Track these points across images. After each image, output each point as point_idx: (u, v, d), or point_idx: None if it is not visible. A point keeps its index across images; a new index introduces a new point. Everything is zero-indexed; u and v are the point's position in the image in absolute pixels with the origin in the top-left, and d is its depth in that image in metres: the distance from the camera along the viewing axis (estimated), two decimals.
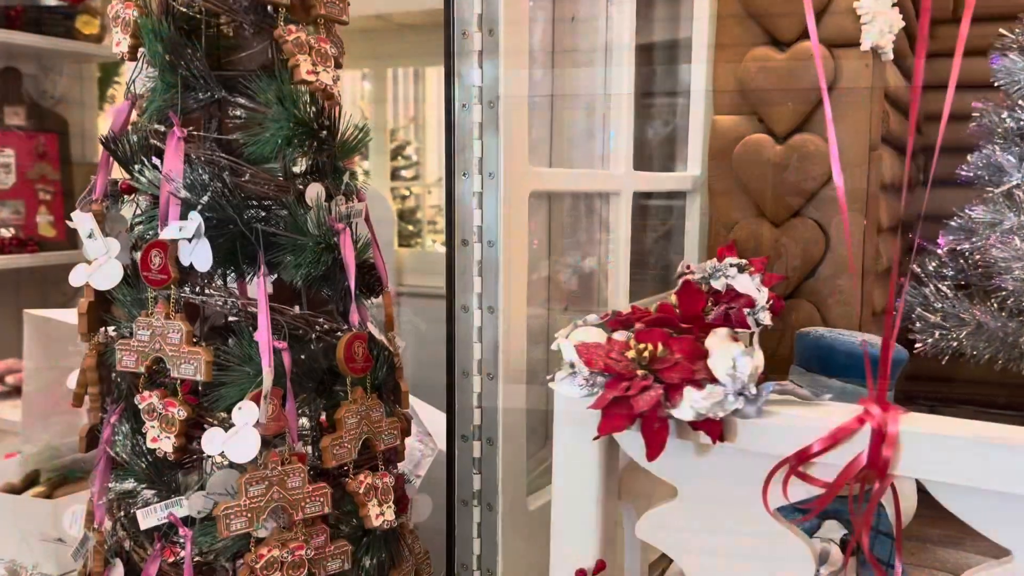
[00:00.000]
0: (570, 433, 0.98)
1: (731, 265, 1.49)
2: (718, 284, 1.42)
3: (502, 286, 1.15)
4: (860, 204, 1.54)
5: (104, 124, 3.19)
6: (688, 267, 1.54)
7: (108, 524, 1.04)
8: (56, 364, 1.93)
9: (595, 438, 0.92)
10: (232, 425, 0.91)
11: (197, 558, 0.96)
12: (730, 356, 0.88)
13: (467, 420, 1.18)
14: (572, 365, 0.97)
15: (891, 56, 1.56)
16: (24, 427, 1.94)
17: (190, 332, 0.93)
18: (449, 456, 1.21)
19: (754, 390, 0.85)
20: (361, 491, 1.00)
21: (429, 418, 1.45)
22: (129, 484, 0.98)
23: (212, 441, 0.90)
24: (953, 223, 1.58)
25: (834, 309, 1.57)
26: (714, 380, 0.89)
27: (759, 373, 0.86)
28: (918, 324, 1.62)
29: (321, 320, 1.01)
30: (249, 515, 0.90)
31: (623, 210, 1.44)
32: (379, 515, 1.01)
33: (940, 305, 1.63)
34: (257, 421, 0.90)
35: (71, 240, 3.06)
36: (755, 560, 0.92)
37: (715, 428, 0.87)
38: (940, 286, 1.66)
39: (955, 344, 1.60)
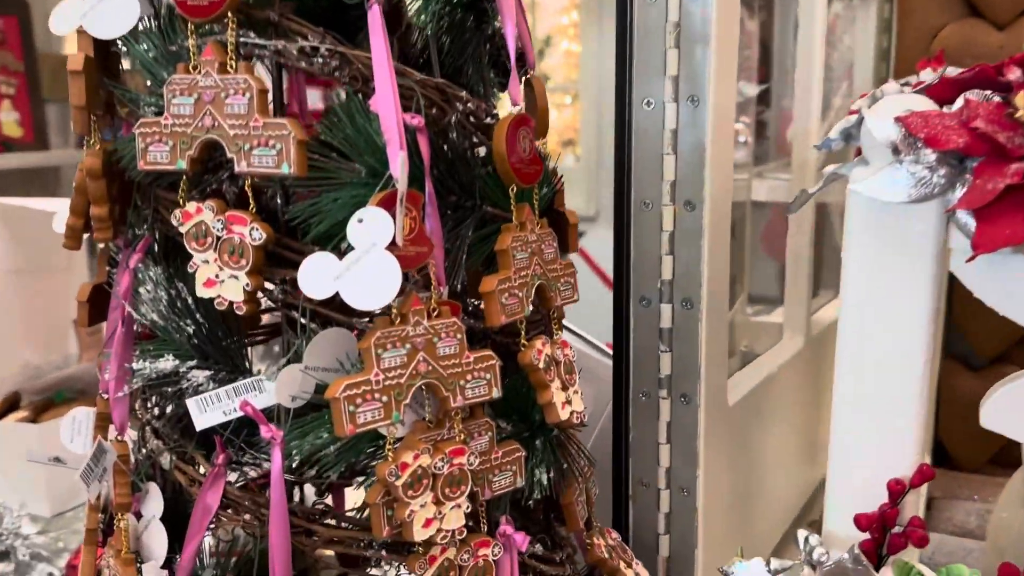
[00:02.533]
0: (885, 261, 0.63)
1: None
2: None
3: (712, 70, 0.77)
4: None
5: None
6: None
7: (133, 432, 0.69)
8: (34, 265, 1.59)
9: (970, 259, 0.57)
10: (347, 247, 0.54)
11: (288, 476, 0.61)
12: None
13: (651, 275, 0.83)
14: (895, 149, 0.61)
15: None
16: None
17: (264, 93, 0.56)
18: (618, 328, 0.86)
19: None
20: (541, 365, 0.65)
21: None
22: (167, 362, 0.62)
23: (319, 274, 0.54)
24: None
25: None
26: None
27: None
28: None
29: (463, 95, 0.64)
30: (385, 398, 0.55)
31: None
32: (565, 403, 0.67)
33: None
34: (392, 241, 0.54)
35: (41, 140, 2.69)
36: None
37: None
38: None
39: None
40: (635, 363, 0.85)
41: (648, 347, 0.84)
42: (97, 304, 0.73)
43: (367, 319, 0.60)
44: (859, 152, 0.69)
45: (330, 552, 1.05)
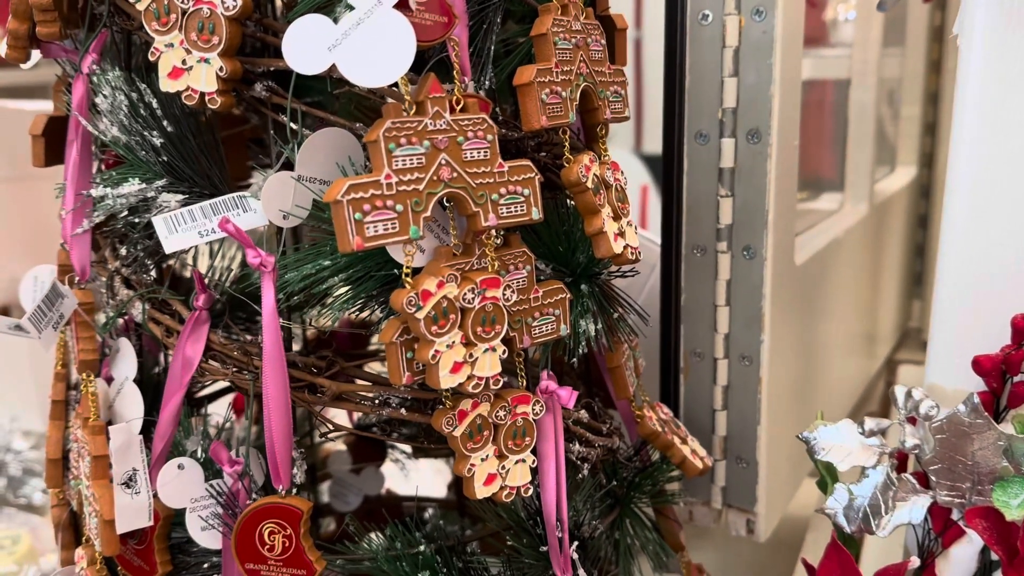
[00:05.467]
0: (1014, 48, 0.51)
1: None
2: None
3: None
4: None
5: None
6: None
7: (100, 280, 0.59)
8: (19, 172, 1.49)
9: None
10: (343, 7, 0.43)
11: (284, 322, 0.51)
12: None
13: (709, 103, 0.71)
14: None
15: None
16: None
17: None
18: (668, 172, 0.75)
19: None
20: (589, 185, 0.54)
21: None
22: (132, 185, 0.52)
23: (309, 43, 0.43)
24: None
25: None
26: None
27: None
28: None
29: None
30: (400, 207, 0.44)
31: None
32: (618, 235, 0.56)
33: None
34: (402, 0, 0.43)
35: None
36: None
37: None
38: None
39: None
40: (688, 213, 0.74)
41: (704, 192, 0.73)
42: (54, 142, 0.62)
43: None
44: None
45: (341, 446, 0.97)
